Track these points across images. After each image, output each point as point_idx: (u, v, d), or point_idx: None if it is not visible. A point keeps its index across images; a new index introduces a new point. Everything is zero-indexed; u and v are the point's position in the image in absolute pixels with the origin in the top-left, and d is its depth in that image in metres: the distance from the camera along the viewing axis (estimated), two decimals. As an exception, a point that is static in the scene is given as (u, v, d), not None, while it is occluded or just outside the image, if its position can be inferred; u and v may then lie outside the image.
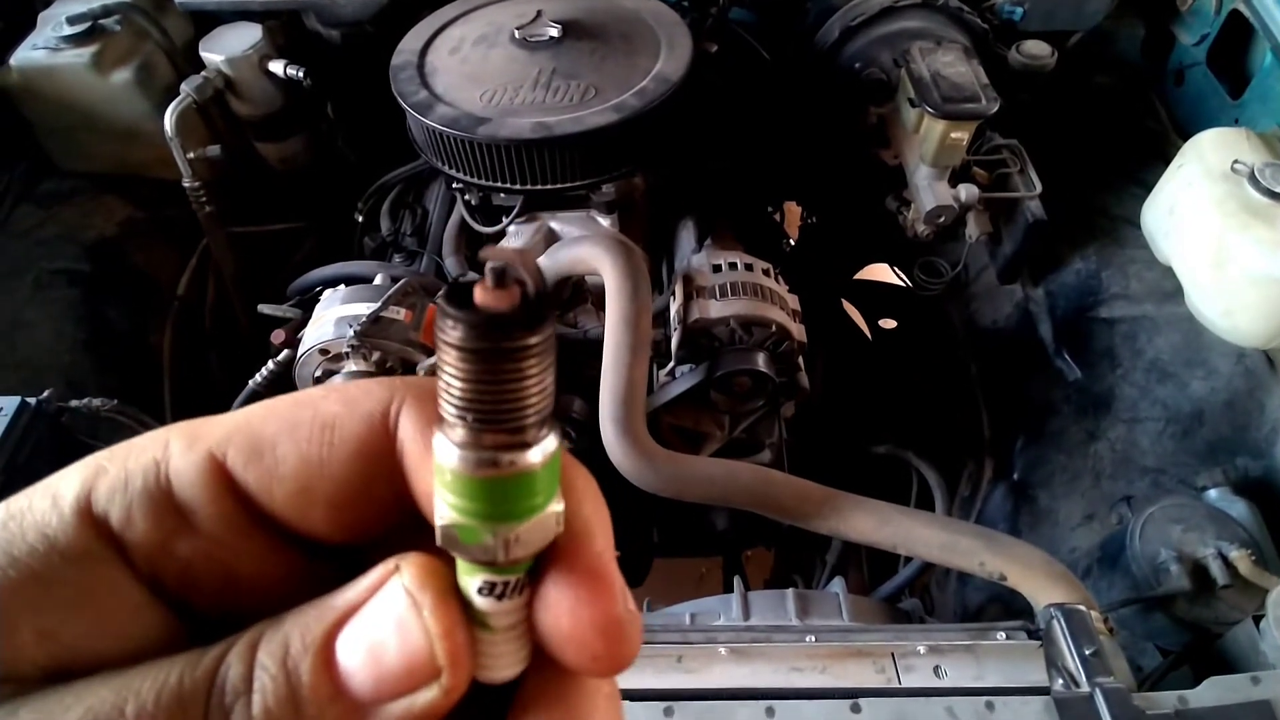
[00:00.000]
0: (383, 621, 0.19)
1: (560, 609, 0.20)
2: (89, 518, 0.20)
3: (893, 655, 0.84)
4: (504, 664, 0.20)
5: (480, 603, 0.20)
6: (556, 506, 0.20)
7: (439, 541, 0.19)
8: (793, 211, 2.09)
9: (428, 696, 0.19)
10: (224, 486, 0.21)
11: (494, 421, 0.18)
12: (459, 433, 0.18)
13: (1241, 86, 1.44)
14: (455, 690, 0.19)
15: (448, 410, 0.18)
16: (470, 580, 0.20)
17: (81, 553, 0.20)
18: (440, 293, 0.18)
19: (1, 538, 0.20)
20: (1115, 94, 1.63)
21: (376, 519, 0.22)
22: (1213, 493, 1.17)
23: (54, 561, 0.20)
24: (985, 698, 0.78)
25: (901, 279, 1.83)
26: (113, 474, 0.21)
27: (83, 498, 0.20)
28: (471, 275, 0.17)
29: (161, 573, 0.21)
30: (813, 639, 0.86)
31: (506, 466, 0.18)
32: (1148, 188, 1.38)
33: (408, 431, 0.21)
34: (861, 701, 0.78)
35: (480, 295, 0.17)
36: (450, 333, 0.17)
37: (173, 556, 0.21)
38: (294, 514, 0.21)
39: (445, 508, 0.19)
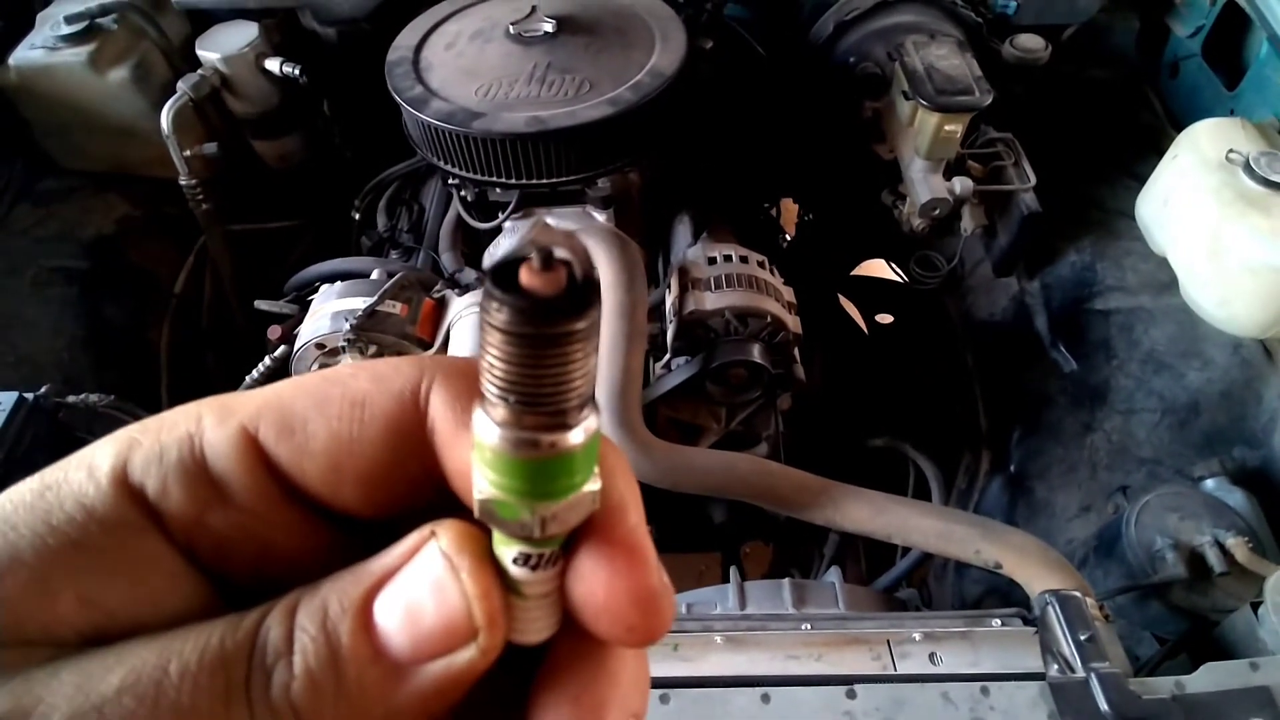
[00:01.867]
0: (420, 584, 0.19)
1: (595, 581, 0.20)
2: (125, 487, 0.20)
3: (888, 643, 0.84)
4: (536, 628, 0.21)
5: (515, 572, 0.20)
6: (593, 486, 0.20)
7: (477, 514, 0.20)
8: (790, 208, 2.09)
9: (466, 656, 0.19)
10: (257, 461, 0.21)
11: (536, 403, 0.18)
12: (501, 412, 0.18)
13: (1237, 78, 1.44)
14: (492, 650, 0.19)
15: (490, 390, 0.18)
16: (506, 550, 0.20)
17: (119, 521, 0.20)
18: (487, 272, 0.17)
19: (39, 507, 0.20)
20: (1110, 87, 1.63)
21: (407, 495, 0.22)
22: (1209, 483, 1.17)
23: (92, 530, 0.20)
24: (980, 683, 0.78)
25: (898, 274, 1.83)
26: (147, 446, 0.21)
27: (119, 468, 0.21)
28: (519, 254, 0.17)
29: (197, 544, 0.21)
30: (808, 627, 0.86)
31: (547, 448, 0.18)
32: (1142, 180, 1.38)
33: (438, 409, 0.21)
34: (857, 688, 0.78)
35: (526, 277, 0.17)
36: (495, 315, 0.17)
37: (208, 528, 0.21)
38: (325, 489, 0.22)
39: (484, 483, 0.19)
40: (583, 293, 0.17)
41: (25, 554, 0.19)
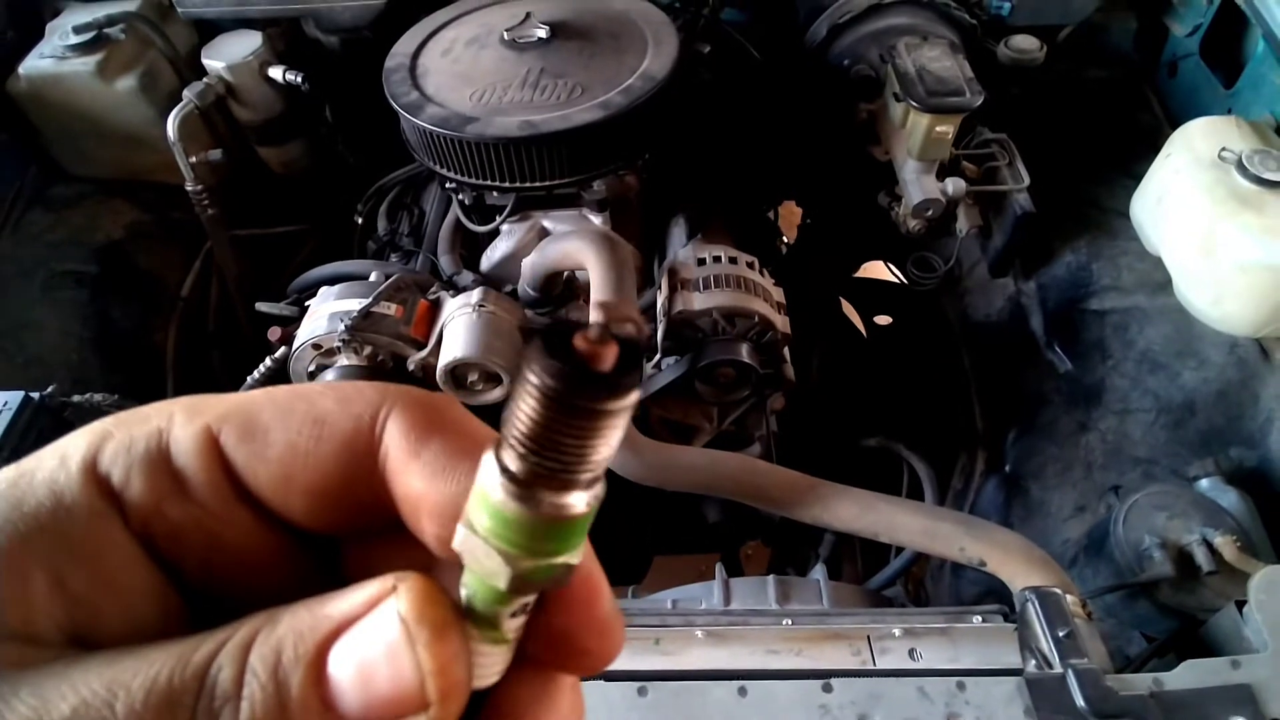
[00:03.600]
0: (375, 645, 0.19)
1: (555, 612, 0.21)
2: (93, 476, 0.21)
3: (868, 638, 0.85)
4: (495, 671, 0.21)
5: (509, 623, 0.20)
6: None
7: (505, 585, 0.19)
8: (792, 212, 2.10)
9: None
10: (215, 459, 0.22)
11: (569, 469, 0.18)
12: (530, 474, 0.18)
13: (1235, 76, 1.44)
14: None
15: (518, 450, 0.18)
16: (504, 609, 0.20)
17: (85, 508, 0.21)
18: (539, 331, 0.17)
19: (12, 494, 0.21)
20: (1108, 87, 1.63)
21: (351, 515, 0.23)
22: (1204, 483, 1.16)
23: (60, 515, 0.21)
24: (957, 678, 0.78)
25: (896, 275, 1.83)
26: (118, 438, 0.22)
27: (89, 458, 0.22)
28: (575, 321, 0.18)
29: (154, 532, 0.22)
30: (789, 622, 0.87)
31: (574, 510, 0.19)
32: (1139, 180, 1.38)
33: (394, 435, 0.22)
34: (834, 681, 0.78)
35: (580, 343, 0.17)
36: (539, 376, 0.17)
37: (164, 518, 0.22)
38: (275, 496, 0.23)
39: (511, 549, 0.19)
40: (628, 373, 0.17)
41: (0, 539, 0.20)
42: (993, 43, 1.49)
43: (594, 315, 1.07)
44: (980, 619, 0.87)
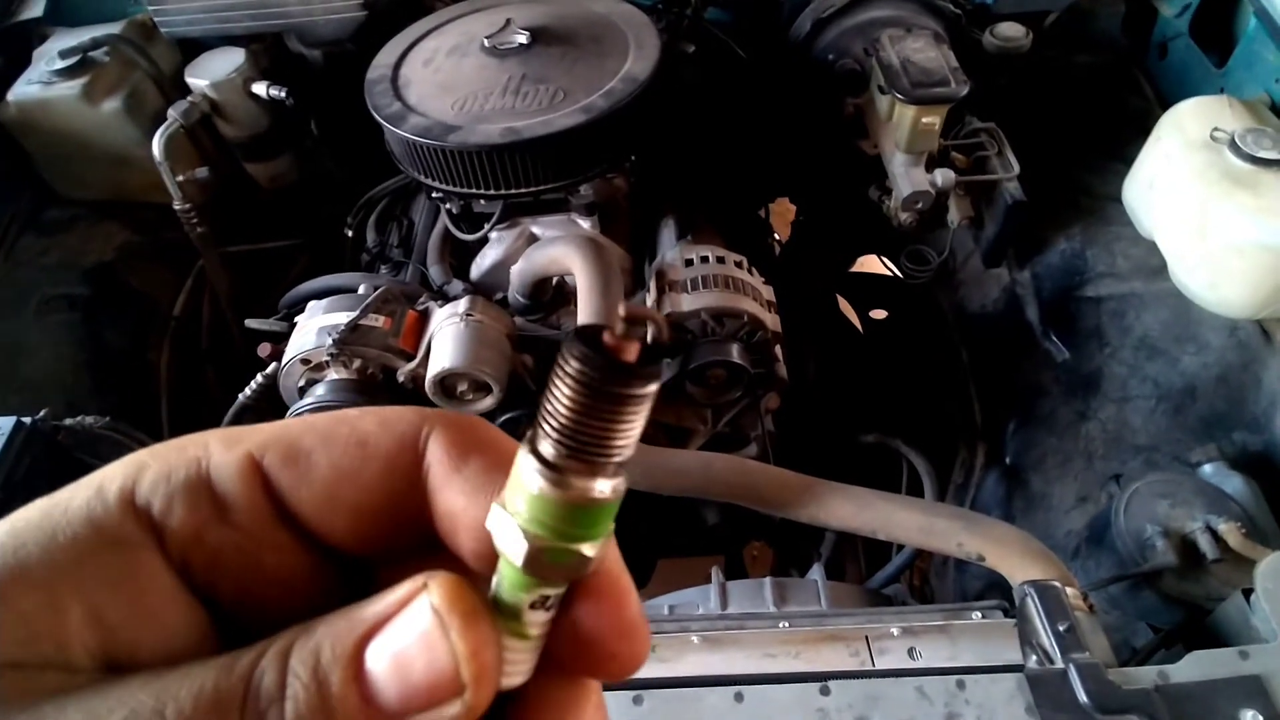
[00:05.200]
0: (410, 636, 0.20)
1: (583, 613, 0.22)
2: (131, 507, 0.22)
3: (866, 638, 0.84)
4: (520, 671, 0.22)
5: (531, 615, 0.21)
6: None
7: (521, 562, 0.20)
8: (786, 209, 2.09)
9: (451, 711, 0.20)
10: (258, 483, 0.23)
11: (596, 453, 0.20)
12: (561, 458, 0.20)
13: (1226, 56, 1.42)
14: (479, 707, 0.20)
15: (551, 436, 0.20)
16: (526, 596, 0.21)
17: (123, 538, 0.21)
18: (572, 331, 0.19)
19: (46, 525, 0.21)
20: (1097, 72, 1.61)
21: (394, 534, 0.23)
22: (1207, 468, 1.14)
23: (98, 546, 0.21)
24: (957, 676, 0.77)
25: (890, 269, 1.82)
26: (155, 468, 0.22)
27: (127, 489, 0.22)
28: (604, 324, 0.20)
29: (192, 560, 0.22)
30: (786, 625, 0.86)
31: (610, 494, 0.20)
32: (1131, 164, 1.36)
33: (435, 453, 0.23)
34: (831, 684, 0.77)
35: (609, 339, 0.19)
36: (573, 365, 0.19)
37: (204, 545, 0.22)
38: (319, 517, 0.23)
39: (537, 529, 0.20)
40: (655, 361, 0.19)
41: (34, 570, 0.20)
42: (978, 31, 1.48)
43: (583, 317, 1.06)
44: (980, 615, 0.86)
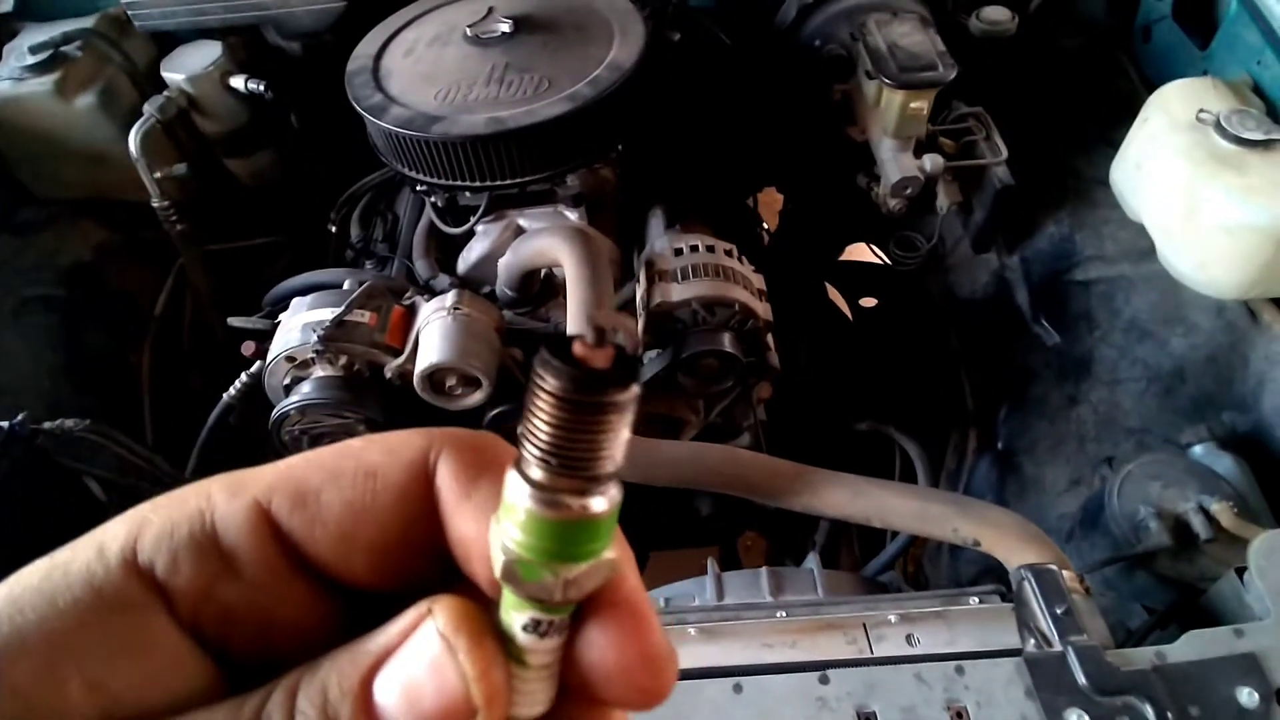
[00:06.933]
0: (418, 664, 0.19)
1: (605, 644, 0.21)
2: (134, 568, 0.21)
3: (864, 626, 0.83)
4: (534, 701, 0.21)
5: (523, 639, 0.21)
6: (611, 554, 0.21)
7: (497, 573, 0.20)
8: (773, 199, 2.08)
9: None
10: (268, 533, 0.22)
11: (573, 467, 0.19)
12: (538, 474, 0.19)
13: (1210, 38, 1.42)
14: None
15: (530, 452, 0.19)
16: (518, 616, 0.21)
17: (127, 602, 0.20)
18: (543, 345, 0.19)
19: (46, 589, 0.20)
20: (1083, 55, 1.61)
21: (412, 565, 0.23)
22: (1198, 449, 1.15)
23: (100, 611, 0.20)
24: (955, 662, 0.77)
25: (880, 256, 1.82)
26: (157, 524, 0.21)
27: (129, 549, 0.21)
28: (574, 334, 0.19)
29: (202, 619, 0.21)
30: (783, 614, 0.85)
31: (579, 510, 0.19)
32: (1118, 147, 1.36)
33: (444, 478, 0.22)
34: (830, 673, 0.77)
35: (579, 350, 0.19)
36: (548, 380, 0.19)
37: (215, 602, 0.21)
38: (336, 558, 0.22)
39: (510, 544, 0.20)
40: (629, 368, 0.19)
41: (32, 639, 0.19)
42: (964, 15, 1.47)
43: (572, 324, 1.04)
44: (977, 600, 0.86)
